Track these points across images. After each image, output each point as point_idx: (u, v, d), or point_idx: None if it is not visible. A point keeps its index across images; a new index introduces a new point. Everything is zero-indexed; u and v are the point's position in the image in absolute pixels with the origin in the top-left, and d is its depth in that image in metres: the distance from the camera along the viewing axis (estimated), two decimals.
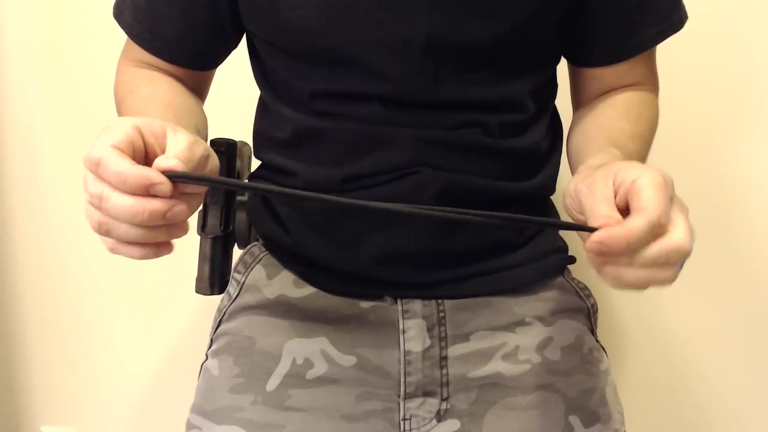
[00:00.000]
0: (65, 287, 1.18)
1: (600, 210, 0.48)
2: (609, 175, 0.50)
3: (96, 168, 0.46)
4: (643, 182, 0.47)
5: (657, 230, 0.46)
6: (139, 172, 0.45)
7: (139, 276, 1.16)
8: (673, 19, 0.67)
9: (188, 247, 0.59)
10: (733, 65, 1.02)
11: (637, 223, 0.46)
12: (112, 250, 0.48)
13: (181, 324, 1.17)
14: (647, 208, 0.46)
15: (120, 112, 0.67)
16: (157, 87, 0.66)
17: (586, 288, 0.72)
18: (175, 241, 0.49)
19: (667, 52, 0.70)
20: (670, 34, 0.67)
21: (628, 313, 1.12)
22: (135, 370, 1.20)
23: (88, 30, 1.05)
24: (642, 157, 0.66)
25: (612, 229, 0.46)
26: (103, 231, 0.47)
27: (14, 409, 1.23)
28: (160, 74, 0.69)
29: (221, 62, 0.72)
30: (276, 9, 0.61)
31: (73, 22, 1.06)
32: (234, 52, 0.72)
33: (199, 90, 0.72)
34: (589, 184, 0.51)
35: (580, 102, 0.74)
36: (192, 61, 0.69)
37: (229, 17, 0.66)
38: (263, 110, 0.72)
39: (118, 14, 0.68)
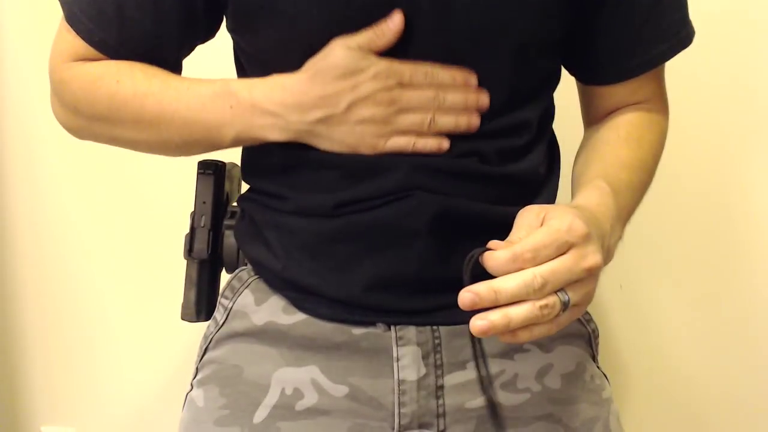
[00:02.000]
0: (65, 287, 1.19)
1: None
2: (541, 214, 0.54)
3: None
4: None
5: (519, 264, 0.49)
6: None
7: (140, 276, 1.16)
8: (681, 36, 0.67)
9: None
10: (738, 68, 1.03)
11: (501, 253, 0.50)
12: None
13: (183, 324, 1.16)
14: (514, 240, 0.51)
15: (114, 105, 0.62)
16: (146, 68, 0.62)
17: (586, 312, 0.70)
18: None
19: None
20: (678, 51, 0.67)
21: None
22: (135, 370, 1.20)
23: None
24: (638, 185, 0.66)
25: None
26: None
27: (14, 408, 1.24)
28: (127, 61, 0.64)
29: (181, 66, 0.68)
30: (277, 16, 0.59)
31: None
32: (223, 70, 0.70)
33: None
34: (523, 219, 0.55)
35: (590, 119, 0.73)
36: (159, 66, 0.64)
37: (204, 24, 0.64)
38: None
39: (72, 18, 0.63)
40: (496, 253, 0.50)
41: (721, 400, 1.12)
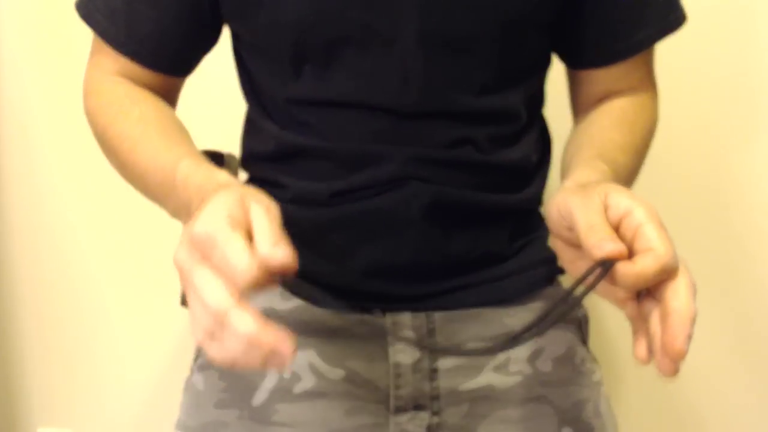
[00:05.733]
0: (63, 288, 1.18)
1: (601, 231, 0.46)
2: (601, 194, 0.48)
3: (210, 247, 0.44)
4: (642, 217, 0.46)
5: (665, 275, 0.45)
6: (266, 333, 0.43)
7: (137, 276, 1.16)
8: (671, 19, 0.66)
9: None
10: (734, 64, 1.02)
11: (649, 264, 0.45)
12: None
13: (180, 324, 1.17)
14: (658, 249, 0.45)
15: (105, 137, 0.65)
16: (145, 109, 0.65)
17: None
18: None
19: (666, 51, 0.70)
20: (668, 34, 0.66)
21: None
22: (133, 371, 1.20)
23: (88, 28, 1.06)
24: (632, 169, 0.66)
25: (625, 265, 0.45)
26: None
27: (11, 410, 1.23)
28: (140, 91, 0.66)
29: (195, 67, 0.70)
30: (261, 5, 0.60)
31: (72, 21, 1.07)
32: (222, 64, 0.71)
33: (172, 101, 0.71)
34: (584, 200, 0.48)
35: (578, 108, 0.73)
36: (169, 64, 0.67)
37: (208, 17, 0.65)
38: (250, 125, 0.71)
39: (88, 16, 0.66)
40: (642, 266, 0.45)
41: (713, 390, 1.12)
